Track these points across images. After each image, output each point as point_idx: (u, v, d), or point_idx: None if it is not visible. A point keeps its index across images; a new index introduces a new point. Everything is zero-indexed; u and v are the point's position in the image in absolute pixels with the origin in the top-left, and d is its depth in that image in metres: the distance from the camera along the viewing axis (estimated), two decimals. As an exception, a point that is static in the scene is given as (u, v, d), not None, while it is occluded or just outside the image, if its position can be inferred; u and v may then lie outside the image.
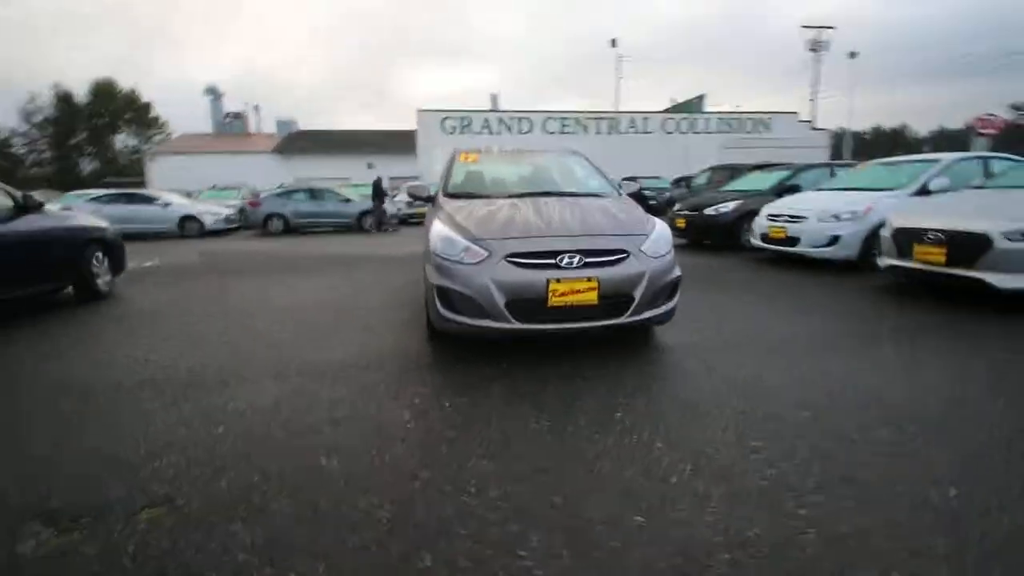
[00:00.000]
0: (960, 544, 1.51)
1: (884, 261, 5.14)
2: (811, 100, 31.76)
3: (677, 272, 3.30)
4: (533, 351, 3.31)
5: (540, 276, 2.96)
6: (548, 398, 2.64)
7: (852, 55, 27.25)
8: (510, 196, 3.85)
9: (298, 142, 29.39)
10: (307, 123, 33.28)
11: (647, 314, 3.16)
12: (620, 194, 4.14)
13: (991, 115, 24.88)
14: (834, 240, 6.24)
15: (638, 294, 3.09)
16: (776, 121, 24.95)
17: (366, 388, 2.81)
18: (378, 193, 14.91)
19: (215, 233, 13.75)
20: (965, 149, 23.62)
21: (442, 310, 3.11)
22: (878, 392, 2.64)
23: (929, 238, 4.55)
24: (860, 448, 2.08)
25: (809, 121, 26.52)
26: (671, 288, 3.28)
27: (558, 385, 2.80)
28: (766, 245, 7.11)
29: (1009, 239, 4.02)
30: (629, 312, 3.09)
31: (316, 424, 2.38)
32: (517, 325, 2.98)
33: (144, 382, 2.95)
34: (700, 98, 29.30)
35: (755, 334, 3.70)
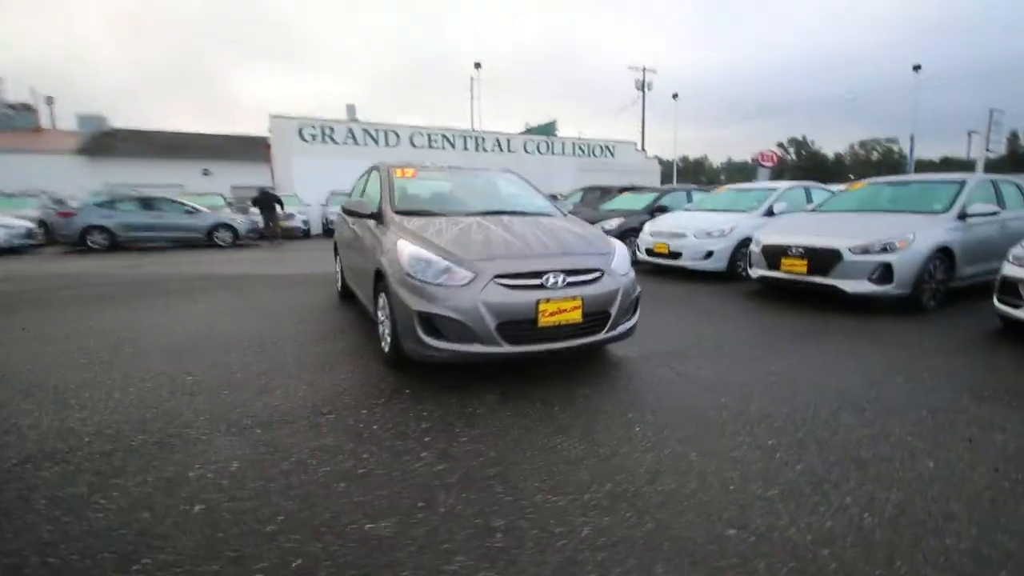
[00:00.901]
0: (971, 502, 1.86)
1: (755, 272, 6.10)
2: (641, 132, 36.51)
3: (638, 288, 3.52)
4: (510, 372, 3.22)
5: (530, 297, 2.92)
6: (565, 421, 2.59)
7: (675, 96, 31.97)
8: (468, 215, 3.73)
9: (112, 142, 24.27)
10: (119, 122, 27.83)
11: (620, 329, 3.30)
12: (565, 213, 4.27)
13: (770, 151, 31.54)
14: (709, 255, 7.22)
15: (614, 310, 3.22)
16: (619, 148, 28.00)
17: (358, 432, 2.46)
18: (268, 204, 13.54)
19: (10, 251, 10.71)
20: (752, 178, 29.49)
21: (425, 337, 2.87)
22: (819, 383, 3.12)
23: (793, 253, 5.53)
24: (844, 433, 2.44)
25: (644, 150, 30.28)
26: (635, 303, 3.47)
27: (564, 406, 2.77)
28: (650, 259, 7.92)
29: (853, 253, 5.08)
30: (607, 328, 3.21)
31: (327, 482, 2.02)
32: (508, 348, 2.89)
33: (38, 456, 2.18)
34: (553, 123, 31.64)
35: (691, 341, 4.09)
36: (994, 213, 5.34)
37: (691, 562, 1.57)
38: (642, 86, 37.37)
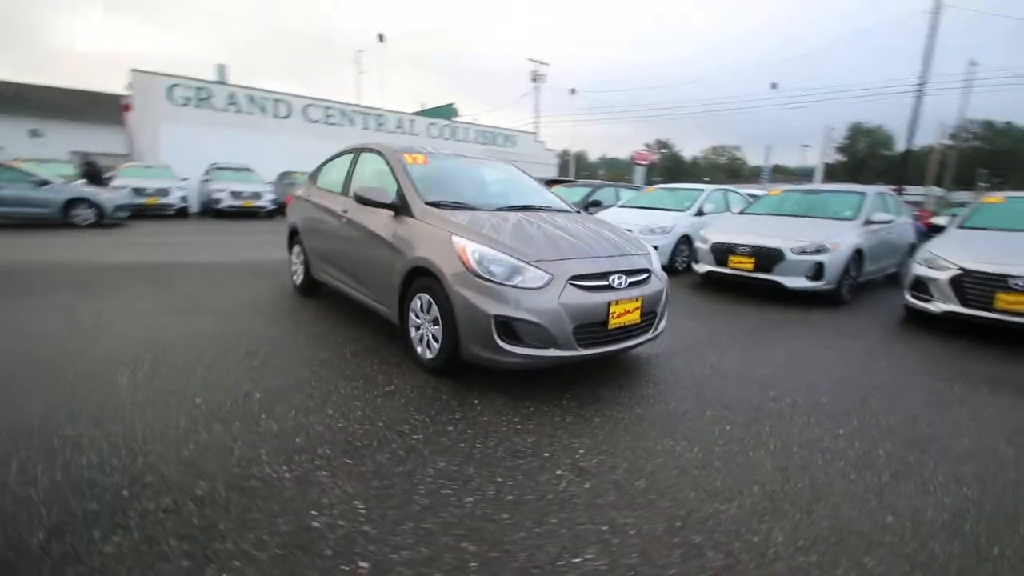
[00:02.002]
0: (1019, 471, 2.27)
1: (702, 267, 6.67)
2: (534, 122, 37.57)
3: (669, 288, 3.65)
4: (560, 375, 3.17)
5: (603, 298, 2.89)
6: (659, 423, 2.63)
7: (572, 91, 33.26)
8: (500, 209, 3.54)
9: None
10: None
11: (660, 327, 3.42)
12: (579, 210, 4.25)
13: (645, 151, 34.57)
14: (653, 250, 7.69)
15: (659, 309, 3.32)
16: (520, 138, 28.44)
17: (464, 452, 2.24)
18: (98, 179, 11.28)
19: None
20: (628, 174, 31.97)
21: (502, 343, 2.70)
22: (822, 371, 3.53)
23: (741, 251, 6.15)
24: (883, 418, 2.80)
25: (543, 141, 31.12)
26: (667, 303, 3.60)
27: (644, 408, 2.80)
28: (595, 252, 8.22)
29: (794, 253, 5.79)
30: (654, 326, 3.30)
31: (486, 514, 1.81)
32: (582, 352, 2.84)
33: (73, 524, 1.64)
34: (451, 105, 31.09)
35: (689, 335, 4.35)
36: (890, 221, 6.45)
37: (886, 551, 1.71)
38: (535, 78, 38.38)
